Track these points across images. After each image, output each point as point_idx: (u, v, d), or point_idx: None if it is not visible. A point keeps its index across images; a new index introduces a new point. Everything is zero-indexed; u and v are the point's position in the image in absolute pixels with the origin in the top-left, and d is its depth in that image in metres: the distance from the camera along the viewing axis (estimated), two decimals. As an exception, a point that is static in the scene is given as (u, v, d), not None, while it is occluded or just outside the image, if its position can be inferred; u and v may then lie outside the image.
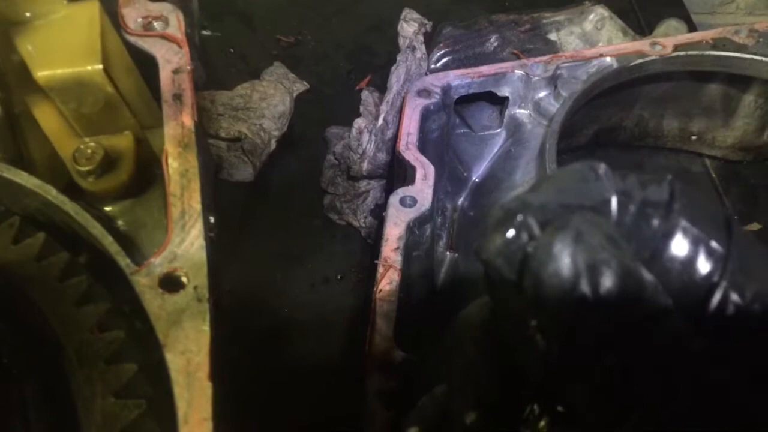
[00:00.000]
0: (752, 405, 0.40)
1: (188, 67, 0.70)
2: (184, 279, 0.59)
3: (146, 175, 0.78)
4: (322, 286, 1.42)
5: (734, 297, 0.44)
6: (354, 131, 1.50)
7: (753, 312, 0.44)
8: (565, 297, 0.40)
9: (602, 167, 0.50)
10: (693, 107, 1.52)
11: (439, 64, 1.42)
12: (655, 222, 0.47)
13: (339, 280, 1.43)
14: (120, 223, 0.75)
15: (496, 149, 1.39)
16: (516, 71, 1.29)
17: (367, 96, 1.60)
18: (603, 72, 1.29)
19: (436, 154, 1.28)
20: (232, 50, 1.86)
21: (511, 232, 0.43)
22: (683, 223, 0.46)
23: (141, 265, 0.60)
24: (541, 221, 0.43)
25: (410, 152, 1.16)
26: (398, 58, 1.41)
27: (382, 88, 1.60)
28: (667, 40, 1.33)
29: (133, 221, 0.75)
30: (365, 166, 1.39)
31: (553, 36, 1.47)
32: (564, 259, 0.40)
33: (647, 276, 0.41)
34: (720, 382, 0.40)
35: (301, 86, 1.73)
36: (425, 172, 1.13)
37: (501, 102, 1.35)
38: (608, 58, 1.32)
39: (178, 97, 0.68)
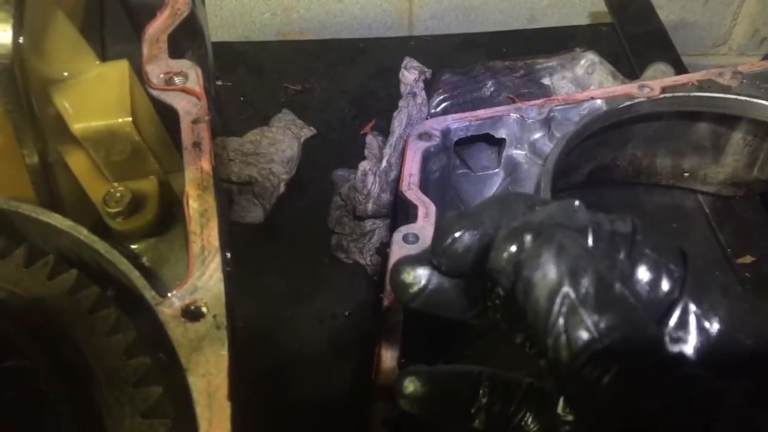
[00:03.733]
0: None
1: (206, 118, 0.77)
2: (204, 309, 0.65)
3: (169, 215, 0.84)
4: (331, 322, 1.48)
5: (693, 307, 0.51)
6: (359, 173, 1.58)
7: (710, 318, 0.51)
8: (551, 296, 0.47)
9: (578, 203, 0.57)
10: (684, 145, 1.58)
11: (438, 109, 1.49)
12: (623, 250, 0.53)
13: (347, 316, 1.49)
14: (145, 259, 0.82)
15: (495, 188, 1.45)
16: (512, 114, 1.37)
17: (372, 140, 1.68)
18: (594, 114, 1.36)
19: (437, 193, 1.35)
20: (242, 98, 1.95)
21: (512, 248, 0.50)
22: (646, 251, 0.53)
23: (165, 297, 0.67)
24: (533, 236, 0.50)
25: (412, 192, 1.22)
26: (400, 104, 1.49)
27: (385, 131, 1.68)
28: (655, 83, 1.40)
29: (157, 257, 0.81)
30: (370, 206, 1.45)
31: (546, 80, 1.55)
32: (549, 265, 0.47)
33: (618, 284, 0.48)
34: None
35: (308, 131, 1.81)
36: (426, 211, 1.20)
37: (498, 143, 1.42)
38: (599, 101, 1.39)
39: (197, 144, 0.75)
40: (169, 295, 0.65)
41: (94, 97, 0.80)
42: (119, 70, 0.84)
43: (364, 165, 1.59)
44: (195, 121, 0.76)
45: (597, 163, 1.60)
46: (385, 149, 1.46)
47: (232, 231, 1.63)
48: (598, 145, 1.54)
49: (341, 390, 1.36)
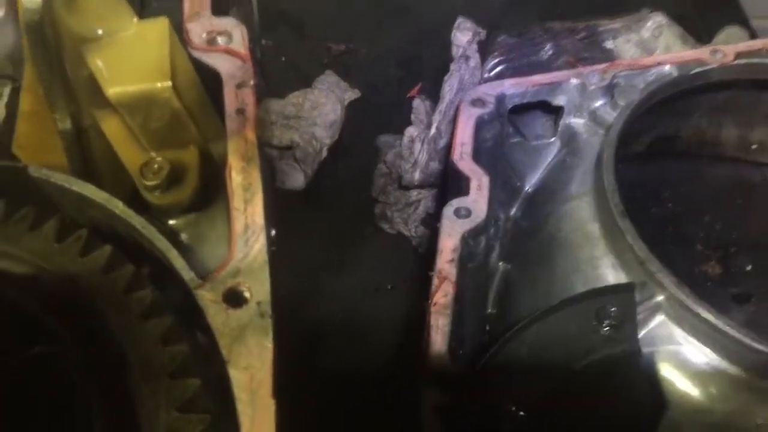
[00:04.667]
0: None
1: (251, 82, 0.70)
2: (246, 294, 0.59)
3: (210, 189, 0.78)
4: (374, 295, 1.42)
5: None
6: (405, 140, 1.50)
7: None
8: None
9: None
10: (754, 116, 1.47)
11: (492, 73, 1.41)
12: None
13: (389, 290, 1.43)
14: (184, 236, 0.76)
15: (550, 159, 1.37)
16: (572, 80, 1.28)
17: (419, 104, 1.60)
18: (662, 81, 1.26)
19: (489, 163, 1.27)
20: (284, 59, 1.88)
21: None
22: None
23: (205, 280, 0.61)
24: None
25: (465, 162, 1.15)
26: (451, 67, 1.40)
27: (433, 95, 1.60)
28: (729, 48, 1.30)
29: (197, 235, 0.76)
30: (417, 175, 1.38)
31: (609, 44, 1.44)
32: None
33: None
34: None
35: (352, 94, 1.73)
36: (480, 183, 1.12)
37: (555, 111, 1.33)
38: (667, 67, 1.29)
39: (241, 111, 0.68)
40: (210, 277, 0.60)
41: (131, 58, 0.73)
42: (159, 28, 0.77)
43: (410, 131, 1.51)
44: (240, 86, 0.69)
45: (659, 133, 1.50)
46: (434, 115, 1.38)
47: (276, 203, 1.58)
48: (662, 114, 1.43)
49: (382, 364, 1.30)
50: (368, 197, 1.55)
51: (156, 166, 0.76)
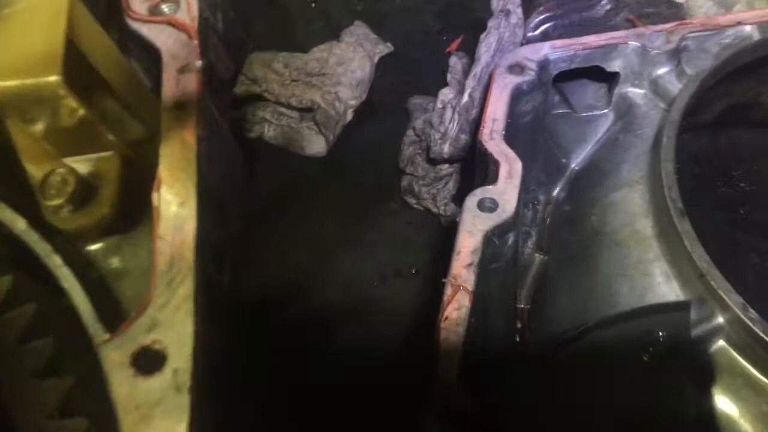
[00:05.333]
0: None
1: (198, 64, 0.55)
2: (163, 356, 0.46)
3: (138, 205, 0.62)
4: (394, 280, 1.28)
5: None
6: (438, 104, 1.33)
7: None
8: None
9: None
10: None
11: (537, 32, 1.21)
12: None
13: (413, 275, 1.28)
14: (101, 266, 0.61)
15: (601, 133, 1.18)
16: (630, 42, 1.08)
17: (456, 62, 1.41)
18: (741, 45, 1.05)
19: (527, 140, 1.10)
20: (313, 5, 1.70)
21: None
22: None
23: (114, 333, 0.47)
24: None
25: (494, 143, 0.98)
26: (489, 24, 1.21)
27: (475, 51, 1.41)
28: (826, 5, 1.07)
29: (117, 266, 0.61)
30: (446, 148, 1.22)
31: None
32: None
33: None
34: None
35: (384, 48, 1.56)
36: (511, 169, 0.95)
37: (609, 78, 1.13)
38: (748, 27, 1.08)
39: (181, 105, 0.53)
40: (119, 329, 0.46)
41: (16, 41, 0.56)
42: (53, 2, 0.60)
43: (445, 94, 1.34)
44: (182, 70, 0.54)
45: (734, 100, 1.28)
46: (467, 80, 1.20)
47: (290, 163, 1.44)
48: (739, 79, 1.22)
49: (396, 365, 1.17)
50: (395, 167, 1.39)
51: (59, 179, 0.60)
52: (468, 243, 0.89)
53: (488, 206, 0.91)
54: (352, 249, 1.32)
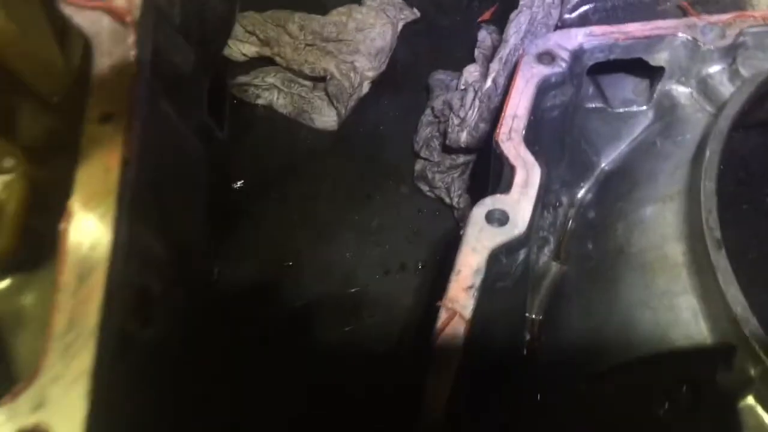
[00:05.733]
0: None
1: (132, 54, 0.44)
2: (47, 447, 0.37)
3: (50, 235, 0.52)
4: (398, 275, 1.18)
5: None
6: (461, 83, 1.21)
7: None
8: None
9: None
10: None
11: (574, 14, 1.07)
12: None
13: (419, 270, 1.18)
14: None
15: (638, 132, 1.06)
16: (679, 34, 0.95)
17: (485, 37, 1.29)
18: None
19: (552, 138, 0.98)
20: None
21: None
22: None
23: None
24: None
25: (512, 144, 0.86)
26: (521, 2, 1.08)
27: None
28: None
29: (14, 314, 0.51)
30: (464, 137, 1.10)
31: None
32: None
33: None
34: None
35: (410, 14, 1.43)
36: (528, 177, 0.84)
37: (652, 72, 1.00)
38: (819, 25, 0.93)
39: (107, 115, 0.43)
40: (4, 400, 0.38)
41: None
42: None
43: (470, 71, 1.22)
44: (114, 68, 0.43)
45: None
46: (492, 63, 1.08)
47: (299, 135, 1.33)
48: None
49: (387, 361, 1.08)
50: (410, 148, 1.28)
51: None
52: (470, 261, 0.78)
53: (498, 219, 0.81)
54: (357, 235, 1.22)
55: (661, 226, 0.88)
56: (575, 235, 1.05)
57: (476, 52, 1.28)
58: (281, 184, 1.26)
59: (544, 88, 0.93)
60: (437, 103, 1.22)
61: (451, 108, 1.16)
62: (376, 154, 1.31)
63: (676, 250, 0.85)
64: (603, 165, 1.07)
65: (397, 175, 1.28)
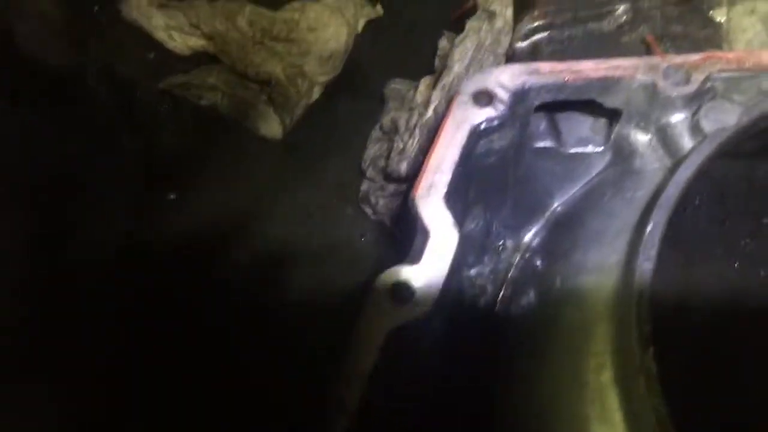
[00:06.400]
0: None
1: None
2: None
3: None
4: (331, 304, 1.10)
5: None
6: (417, 98, 1.10)
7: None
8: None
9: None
10: None
11: (526, 43, 0.94)
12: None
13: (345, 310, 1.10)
14: None
15: (593, 174, 0.95)
16: (638, 77, 0.83)
17: (446, 45, 1.17)
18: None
19: (490, 183, 0.88)
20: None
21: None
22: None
23: None
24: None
25: (429, 203, 0.76)
26: (467, 26, 0.96)
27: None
28: None
29: None
30: (404, 167, 1.00)
31: (719, 14, 0.94)
32: None
33: None
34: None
35: (371, 12, 1.31)
36: (443, 242, 0.75)
37: (609, 112, 0.89)
38: (800, 72, 0.82)
39: None
40: None
41: None
42: None
43: (422, 89, 1.11)
44: None
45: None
46: (434, 90, 0.97)
47: (243, 141, 1.24)
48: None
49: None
50: (359, 164, 1.18)
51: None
52: (366, 345, 0.70)
53: (403, 296, 0.72)
54: (293, 258, 1.14)
55: (595, 302, 0.79)
56: (518, 285, 0.95)
57: (436, 61, 1.17)
58: (217, 195, 1.17)
59: (478, 134, 0.82)
60: (386, 120, 1.12)
61: (397, 129, 1.05)
62: (322, 167, 1.21)
63: (605, 337, 0.75)
64: (556, 205, 0.97)
65: (344, 193, 1.19)
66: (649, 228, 0.74)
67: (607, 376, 0.73)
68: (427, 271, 0.73)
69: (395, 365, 0.72)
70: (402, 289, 0.72)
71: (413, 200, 0.77)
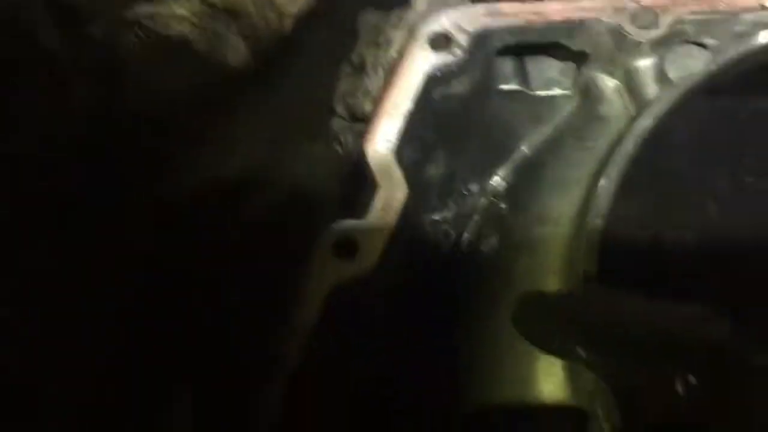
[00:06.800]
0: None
1: None
2: None
3: None
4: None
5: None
6: (389, 33, 1.06)
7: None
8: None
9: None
10: None
11: None
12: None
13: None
14: None
15: (558, 117, 0.92)
16: (604, 19, 0.79)
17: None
18: (751, 48, 0.77)
19: (449, 128, 0.86)
20: None
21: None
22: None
23: None
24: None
25: (379, 153, 0.75)
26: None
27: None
28: None
29: None
30: (368, 107, 0.97)
31: None
32: None
33: None
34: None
35: (347, -65, 1.24)
36: (389, 196, 0.73)
37: (576, 55, 0.86)
38: (776, 14, 0.78)
39: None
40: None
41: None
42: None
43: (394, 20, 1.06)
44: None
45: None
46: (396, 31, 0.93)
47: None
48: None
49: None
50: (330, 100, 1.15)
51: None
52: (309, 301, 0.70)
53: (345, 250, 0.71)
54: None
55: (547, 255, 0.78)
56: (481, 228, 0.94)
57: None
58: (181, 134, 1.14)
59: (434, 80, 0.79)
60: (355, 55, 1.08)
61: (364, 66, 1.02)
62: (292, 103, 1.18)
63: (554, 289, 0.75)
64: (522, 149, 0.94)
65: (314, 130, 1.16)
66: (602, 182, 0.72)
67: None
68: (372, 226, 0.72)
69: (342, 325, 0.71)
70: (346, 244, 0.71)
71: (362, 150, 0.75)
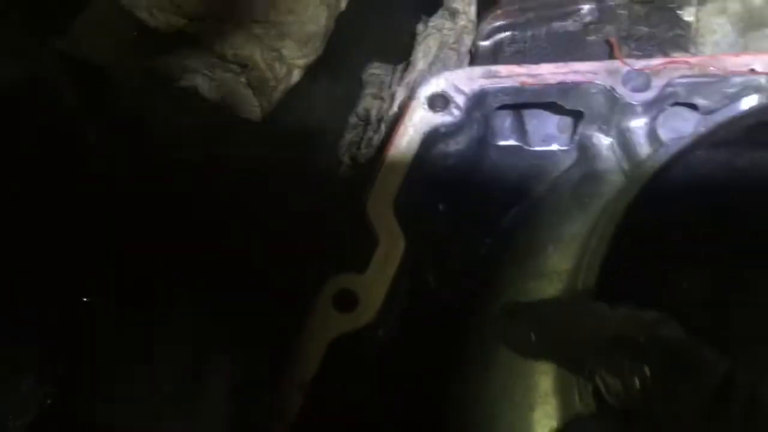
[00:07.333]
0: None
1: None
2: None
3: None
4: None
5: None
6: (394, 87, 1.09)
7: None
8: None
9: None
10: None
11: (488, 42, 0.93)
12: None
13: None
14: None
15: (557, 172, 0.95)
16: (597, 81, 0.82)
17: (423, 30, 1.15)
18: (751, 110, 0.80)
19: (449, 183, 0.89)
20: None
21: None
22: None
23: None
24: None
25: (379, 210, 0.77)
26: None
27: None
28: None
29: None
30: (370, 155, 1.01)
31: (688, 14, 0.91)
32: None
33: None
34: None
35: (355, -9, 1.29)
36: (389, 251, 0.76)
37: (572, 113, 0.89)
38: (764, 78, 0.81)
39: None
40: None
41: None
42: None
43: (397, 76, 1.10)
44: None
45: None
46: (399, 87, 0.97)
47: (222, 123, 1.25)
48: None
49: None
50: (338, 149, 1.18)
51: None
52: (309, 353, 0.72)
53: (346, 302, 0.73)
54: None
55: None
56: (479, 282, 0.96)
57: (416, 45, 1.16)
58: (194, 177, 1.18)
59: (433, 139, 0.82)
60: (361, 108, 1.12)
61: (369, 119, 1.06)
62: (300, 150, 1.21)
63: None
64: (520, 204, 0.96)
65: (320, 179, 1.19)
66: (593, 243, 0.74)
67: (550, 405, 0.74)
68: (372, 280, 0.74)
69: (340, 374, 0.74)
70: (346, 297, 0.73)
71: (363, 206, 0.78)
